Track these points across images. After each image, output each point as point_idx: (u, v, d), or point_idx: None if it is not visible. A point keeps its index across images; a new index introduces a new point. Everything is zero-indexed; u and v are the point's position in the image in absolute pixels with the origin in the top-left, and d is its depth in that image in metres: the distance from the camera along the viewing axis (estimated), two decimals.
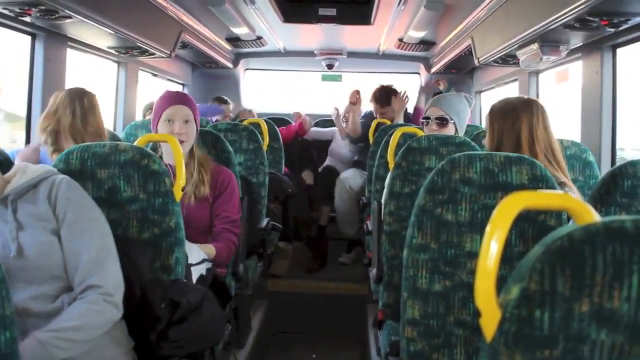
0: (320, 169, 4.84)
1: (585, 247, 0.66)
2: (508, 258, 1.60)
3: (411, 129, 2.92)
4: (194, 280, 1.96)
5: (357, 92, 4.43)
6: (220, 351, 2.14)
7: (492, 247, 0.78)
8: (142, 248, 1.72)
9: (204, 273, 2.07)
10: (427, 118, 2.74)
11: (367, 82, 6.17)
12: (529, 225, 1.62)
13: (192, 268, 1.98)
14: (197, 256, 2.06)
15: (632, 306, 0.65)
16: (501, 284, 0.74)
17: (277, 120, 5.13)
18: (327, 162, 4.98)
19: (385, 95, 4.40)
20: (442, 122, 2.69)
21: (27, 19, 2.52)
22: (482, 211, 1.66)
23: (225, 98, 4.93)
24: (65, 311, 1.43)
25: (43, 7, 2.33)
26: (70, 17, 2.50)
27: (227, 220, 2.33)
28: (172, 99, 2.27)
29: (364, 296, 3.70)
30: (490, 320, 0.73)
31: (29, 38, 2.83)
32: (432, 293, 1.68)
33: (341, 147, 4.89)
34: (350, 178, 4.35)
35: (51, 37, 2.86)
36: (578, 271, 0.66)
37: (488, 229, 0.79)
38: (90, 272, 1.47)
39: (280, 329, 3.70)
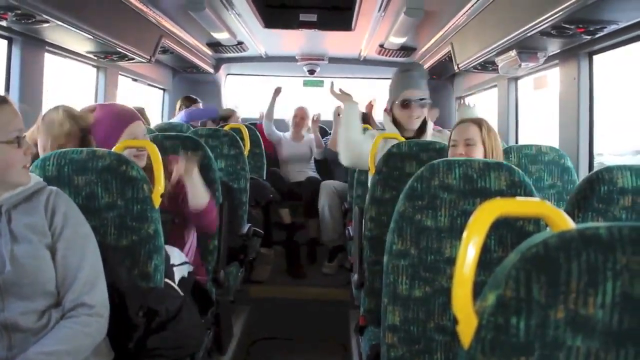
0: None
1: (560, 254, 0.67)
2: (487, 264, 1.60)
3: (392, 134, 2.92)
4: (176, 280, 1.94)
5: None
6: (201, 358, 2.12)
7: (468, 254, 0.79)
8: (120, 255, 1.70)
9: (185, 275, 2.05)
10: (408, 101, 2.69)
11: (349, 87, 6.22)
12: (507, 231, 1.64)
13: (175, 268, 1.96)
14: (179, 258, 2.04)
15: (607, 313, 0.65)
16: (480, 289, 0.74)
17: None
18: (292, 174, 4.96)
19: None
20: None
21: (3, 22, 2.48)
22: (461, 217, 1.67)
23: (195, 97, 4.90)
24: (56, 330, 1.41)
25: (19, 11, 2.29)
26: (47, 21, 2.46)
27: None
28: (133, 115, 2.09)
29: (346, 302, 3.70)
30: (467, 327, 0.73)
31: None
32: (412, 299, 1.69)
33: (294, 147, 4.95)
34: (335, 182, 4.39)
35: (28, 42, 2.82)
36: (553, 278, 0.67)
37: (464, 236, 0.79)
38: (83, 290, 1.46)
39: (262, 335, 3.68)
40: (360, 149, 2.73)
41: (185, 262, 2.09)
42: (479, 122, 2.21)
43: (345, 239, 3.91)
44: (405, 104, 2.68)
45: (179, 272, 2.01)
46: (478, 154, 2.15)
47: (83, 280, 1.46)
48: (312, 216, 4.46)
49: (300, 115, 4.99)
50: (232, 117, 4.88)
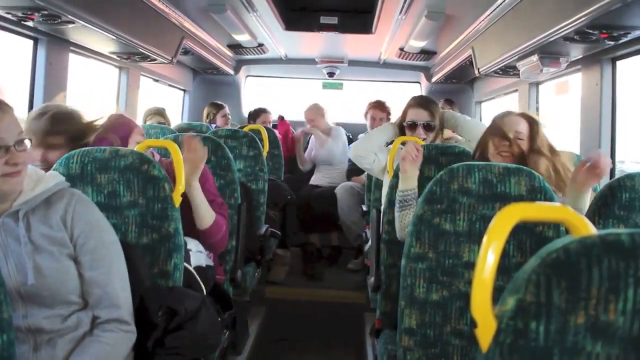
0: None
1: (581, 260, 0.67)
2: (505, 269, 1.60)
3: (411, 137, 2.92)
4: (192, 264, 1.95)
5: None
6: (217, 357, 2.14)
7: (488, 258, 0.79)
8: (142, 254, 1.72)
9: (203, 264, 2.06)
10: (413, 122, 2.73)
11: (368, 90, 6.23)
12: (526, 236, 1.63)
13: (191, 253, 1.97)
14: (196, 246, 2.06)
15: (628, 319, 0.65)
16: (498, 294, 0.74)
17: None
18: (316, 175, 4.90)
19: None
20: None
21: (30, 23, 2.53)
22: (480, 221, 1.66)
23: (221, 103, 4.95)
24: (89, 344, 1.42)
25: (46, 12, 2.33)
26: (72, 22, 2.50)
27: (211, 204, 2.23)
28: None
29: (361, 304, 3.70)
30: (486, 330, 0.73)
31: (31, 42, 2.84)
32: (429, 302, 1.69)
33: (326, 148, 4.90)
34: (352, 182, 4.41)
35: (53, 42, 2.86)
36: (574, 283, 0.66)
37: (485, 240, 0.79)
38: (114, 304, 1.46)
39: (278, 336, 3.69)
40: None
41: (201, 252, 2.10)
42: (530, 118, 2.14)
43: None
44: (410, 125, 2.72)
45: (195, 259, 2.02)
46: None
47: (113, 294, 1.46)
48: (332, 229, 4.50)
49: (308, 117, 4.85)
50: (261, 117, 4.94)
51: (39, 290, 1.38)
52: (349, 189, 4.33)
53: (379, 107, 4.67)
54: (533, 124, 2.11)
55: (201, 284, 1.90)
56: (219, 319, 1.93)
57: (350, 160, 4.69)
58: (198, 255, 2.04)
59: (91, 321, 1.47)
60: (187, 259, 1.92)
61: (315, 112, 4.80)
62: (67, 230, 1.44)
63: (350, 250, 4.56)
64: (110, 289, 1.46)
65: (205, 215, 2.16)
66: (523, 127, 2.10)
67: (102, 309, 1.46)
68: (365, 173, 4.16)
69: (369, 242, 3.03)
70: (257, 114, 5.07)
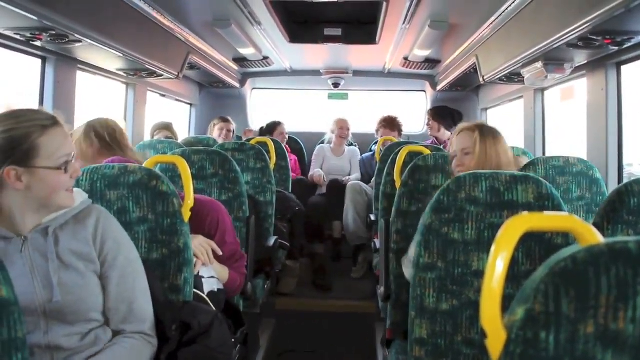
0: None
1: (589, 269, 0.67)
2: (515, 277, 1.60)
3: (417, 147, 2.93)
4: (205, 291, 1.96)
5: None
6: None
7: (496, 268, 0.79)
8: (154, 270, 1.73)
9: (215, 289, 2.07)
10: None
11: (374, 100, 6.26)
12: (535, 244, 1.63)
13: (203, 280, 1.98)
14: (207, 272, 2.06)
15: (638, 327, 0.65)
16: (509, 302, 0.75)
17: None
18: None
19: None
20: None
21: (38, 43, 2.56)
22: (488, 230, 1.66)
23: (228, 117, 4.98)
24: (112, 348, 1.44)
25: (53, 32, 2.37)
26: (80, 41, 2.53)
27: (230, 259, 2.24)
28: None
29: (372, 314, 3.69)
30: (496, 341, 0.73)
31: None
32: (439, 312, 1.68)
33: (335, 160, 5.08)
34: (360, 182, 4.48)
35: (61, 61, 2.90)
36: (582, 292, 0.67)
37: (492, 250, 0.80)
38: (140, 319, 1.50)
39: (288, 347, 3.68)
40: None
41: (213, 277, 2.11)
42: (473, 128, 2.09)
43: (369, 237, 3.96)
44: None
45: (208, 285, 2.02)
46: (472, 162, 2.03)
47: (138, 310, 1.49)
48: (336, 218, 4.55)
49: (341, 127, 5.11)
50: (278, 129, 5.01)
51: (62, 308, 1.40)
52: (358, 188, 4.38)
53: (389, 125, 4.72)
54: (474, 133, 2.06)
55: (214, 309, 1.90)
56: (231, 335, 1.94)
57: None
58: (210, 281, 2.04)
59: (109, 339, 1.48)
60: (200, 287, 1.92)
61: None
62: (95, 247, 1.47)
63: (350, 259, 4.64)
64: (136, 305, 1.49)
65: (220, 274, 2.14)
66: (468, 140, 2.06)
67: (128, 324, 1.49)
68: (373, 181, 4.24)
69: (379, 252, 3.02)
70: (273, 128, 5.10)
